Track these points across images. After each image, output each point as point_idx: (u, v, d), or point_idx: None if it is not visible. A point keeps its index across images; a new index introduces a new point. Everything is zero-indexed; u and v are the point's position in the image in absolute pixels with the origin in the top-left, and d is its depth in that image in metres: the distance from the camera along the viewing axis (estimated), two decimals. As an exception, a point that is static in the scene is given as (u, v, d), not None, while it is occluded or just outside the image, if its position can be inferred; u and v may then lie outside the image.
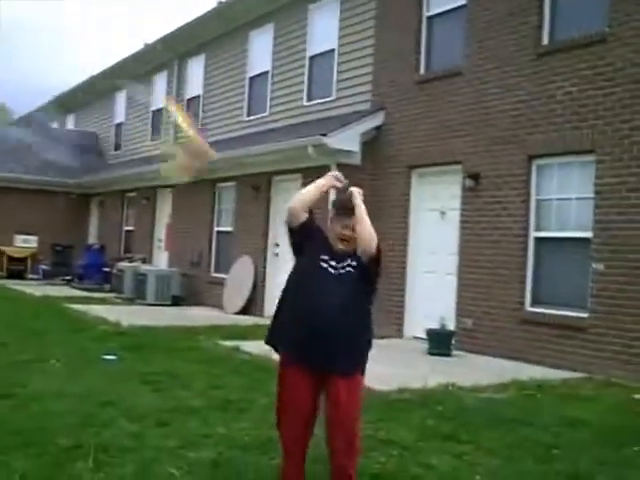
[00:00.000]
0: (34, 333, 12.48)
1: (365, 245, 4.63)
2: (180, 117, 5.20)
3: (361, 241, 4.63)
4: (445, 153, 13.63)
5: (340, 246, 4.72)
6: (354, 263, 4.69)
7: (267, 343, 4.89)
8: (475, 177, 12.81)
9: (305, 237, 4.74)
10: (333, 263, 4.66)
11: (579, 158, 11.52)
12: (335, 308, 4.54)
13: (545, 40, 12.19)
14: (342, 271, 4.66)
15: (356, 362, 4.70)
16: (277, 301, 4.88)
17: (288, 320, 4.69)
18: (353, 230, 4.68)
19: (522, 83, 12.39)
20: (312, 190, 4.78)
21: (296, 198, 4.76)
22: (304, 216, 4.71)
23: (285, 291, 4.81)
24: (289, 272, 4.86)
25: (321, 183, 4.82)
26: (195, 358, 10.36)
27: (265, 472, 5.19)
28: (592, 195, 11.26)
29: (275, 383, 4.86)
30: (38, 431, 6.23)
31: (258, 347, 9.84)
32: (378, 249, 4.67)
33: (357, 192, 4.77)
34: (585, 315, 11.08)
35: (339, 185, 4.83)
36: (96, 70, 29.90)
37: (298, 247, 4.81)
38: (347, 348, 4.60)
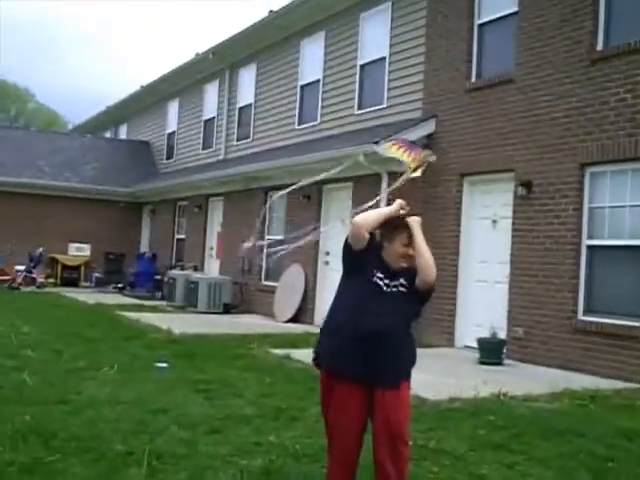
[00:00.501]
0: (87, 340, 12.57)
1: (426, 276, 4.69)
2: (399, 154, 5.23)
3: (422, 271, 4.68)
4: (497, 161, 13.53)
5: (402, 264, 4.75)
6: (406, 283, 4.73)
7: (314, 361, 4.89)
8: (527, 185, 12.71)
9: (361, 258, 4.73)
10: (387, 281, 4.69)
11: (633, 165, 11.38)
12: (383, 320, 4.57)
13: (599, 46, 12.03)
14: (394, 289, 4.69)
15: (402, 374, 4.72)
16: (324, 319, 4.91)
17: (336, 335, 4.69)
18: (410, 246, 4.75)
19: (575, 90, 12.26)
20: (379, 214, 4.76)
21: (362, 217, 4.71)
22: (367, 237, 4.70)
23: (332, 308, 4.83)
24: (337, 289, 4.85)
25: (387, 209, 4.80)
26: (246, 366, 10.37)
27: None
28: (647, 202, 11.18)
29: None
30: (93, 437, 6.31)
31: (309, 355, 9.82)
32: (432, 286, 4.75)
33: (416, 221, 4.80)
34: (638, 324, 10.91)
35: (404, 213, 4.80)
36: (148, 80, 30.37)
37: (350, 266, 4.81)
38: (394, 361, 4.62)
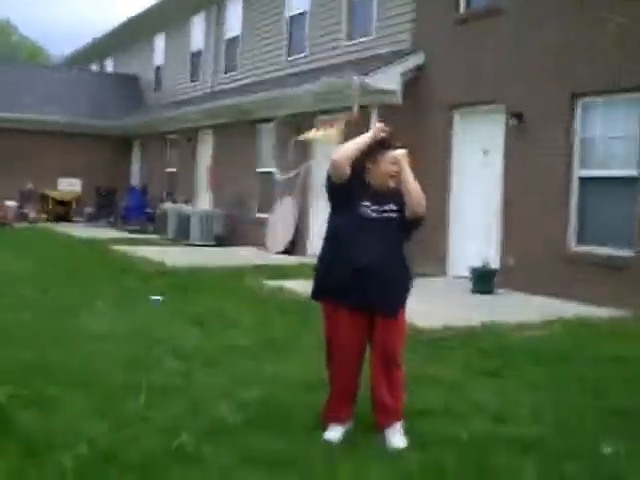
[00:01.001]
0: (81, 275, 12.63)
1: (415, 205, 4.72)
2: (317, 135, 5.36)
3: (411, 207, 4.72)
4: (487, 92, 13.44)
5: (390, 184, 4.77)
6: (395, 208, 4.77)
7: (314, 297, 4.93)
8: (518, 116, 12.65)
9: (345, 189, 4.73)
10: (375, 207, 4.72)
11: (624, 96, 11.29)
12: (376, 250, 4.63)
13: (592, -27, 11.54)
14: (384, 215, 4.73)
15: (398, 302, 4.81)
16: (319, 253, 4.95)
17: (332, 267, 4.75)
18: (396, 164, 4.75)
19: (567, 18, 12.09)
20: (356, 144, 4.72)
21: (340, 152, 4.69)
22: (348, 170, 4.67)
23: (326, 240, 4.87)
24: (327, 226, 4.90)
25: (364, 138, 4.76)
26: (240, 298, 10.40)
27: (315, 411, 5.24)
28: (638, 133, 11.07)
29: (322, 326, 4.97)
30: (91, 371, 6.36)
31: (303, 286, 9.95)
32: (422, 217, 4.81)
33: (402, 154, 4.79)
34: (631, 254, 10.97)
35: (384, 135, 4.80)
36: (134, 12, 29.73)
37: (336, 200, 4.83)
38: (389, 289, 4.70)
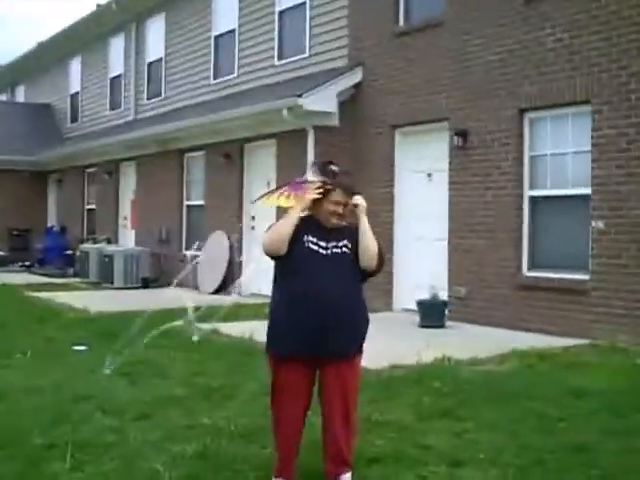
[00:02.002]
0: (-5, 325, 12.28)
1: (366, 260, 4.72)
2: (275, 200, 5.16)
3: (362, 255, 4.72)
4: (430, 110, 13.54)
5: (333, 221, 4.76)
6: (345, 242, 4.76)
7: (268, 349, 4.90)
8: (463, 134, 12.75)
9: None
10: (323, 243, 4.70)
11: (574, 109, 11.47)
12: (331, 290, 4.62)
13: (534, -17, 11.92)
14: (336, 250, 4.71)
15: (353, 343, 4.80)
16: (269, 306, 4.93)
17: (280, 312, 4.75)
18: (345, 206, 4.76)
19: (509, 31, 12.26)
20: (288, 223, 4.72)
21: (272, 237, 4.71)
22: (284, 249, 4.69)
23: (273, 282, 4.86)
24: (274, 269, 4.88)
25: (297, 210, 4.74)
26: (172, 344, 10.29)
27: (254, 462, 5.22)
28: (589, 148, 11.19)
29: (266, 374, 4.97)
30: (9, 430, 6.21)
31: (239, 329, 10.44)
32: (381, 257, 4.78)
33: (363, 207, 4.81)
34: (586, 277, 11.03)
35: (317, 196, 4.74)
36: (46, 36, 29.62)
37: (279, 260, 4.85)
38: (346, 331, 4.69)
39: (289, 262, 4.69)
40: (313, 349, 4.64)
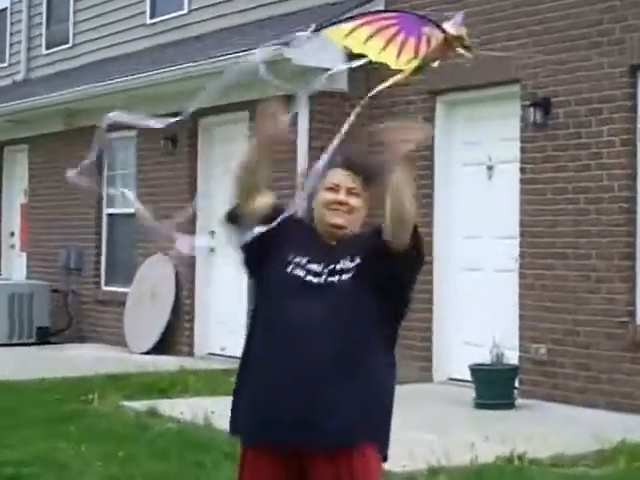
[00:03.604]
0: None
1: (400, 226, 3.75)
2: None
3: (392, 217, 3.75)
4: (492, 67, 11.67)
5: (332, 221, 3.93)
6: (357, 261, 3.87)
7: (231, 432, 4.25)
8: (543, 105, 11.19)
9: (264, 244, 3.95)
10: (316, 267, 3.87)
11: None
12: (322, 344, 3.80)
13: None
14: (333, 278, 3.84)
15: (361, 427, 3.90)
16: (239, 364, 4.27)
17: (247, 382, 4.06)
18: (356, 195, 3.95)
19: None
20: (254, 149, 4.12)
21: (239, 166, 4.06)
22: (265, 204, 3.95)
23: (246, 340, 4.17)
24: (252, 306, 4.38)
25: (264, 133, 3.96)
26: (84, 432, 9.57)
27: None
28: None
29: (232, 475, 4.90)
30: None
31: (190, 407, 10.13)
32: (415, 234, 3.80)
33: (402, 137, 3.70)
34: None
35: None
36: None
37: (253, 263, 4.09)
38: (339, 410, 3.86)
39: (262, 292, 4.08)
40: (290, 436, 3.94)
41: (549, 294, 11.28)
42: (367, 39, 3.97)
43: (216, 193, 14.13)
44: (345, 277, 3.86)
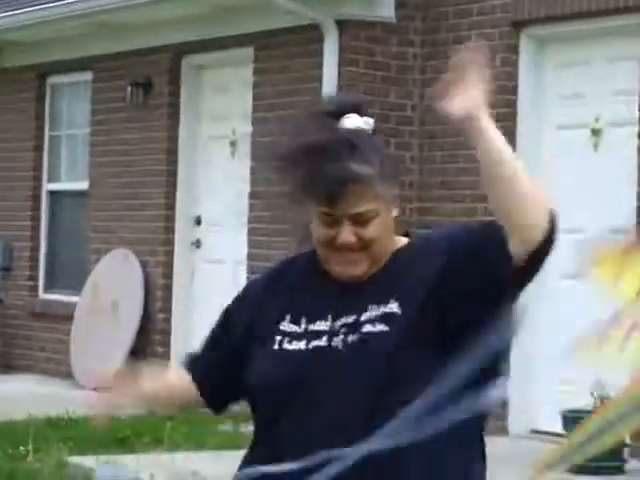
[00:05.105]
0: None
1: (524, 234, 2.62)
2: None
3: (518, 228, 2.63)
4: None
5: (340, 274, 2.86)
6: (393, 308, 2.80)
7: None
8: None
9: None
10: (323, 323, 2.85)
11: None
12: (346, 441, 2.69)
13: None
14: (359, 337, 2.77)
15: None
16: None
17: None
18: (370, 219, 2.84)
19: None
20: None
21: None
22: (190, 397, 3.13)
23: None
24: None
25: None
26: None
27: None
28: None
29: None
30: None
31: (164, 467, 9.25)
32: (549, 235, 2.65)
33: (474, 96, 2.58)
34: None
35: None
36: None
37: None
38: None
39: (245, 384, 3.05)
40: None
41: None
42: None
43: (205, 164, 12.66)
44: (377, 328, 2.79)
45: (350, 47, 10.89)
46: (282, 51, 11.88)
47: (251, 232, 11.41)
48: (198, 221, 12.94)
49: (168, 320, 12.91)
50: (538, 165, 10.63)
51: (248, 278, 11.19)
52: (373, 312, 2.79)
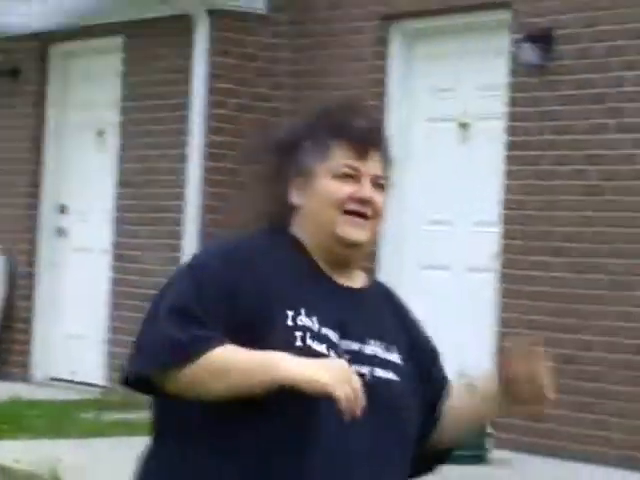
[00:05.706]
0: None
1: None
2: None
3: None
4: None
5: (349, 236, 2.59)
6: (397, 353, 2.61)
7: None
8: (543, 39, 10.14)
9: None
10: (333, 337, 2.54)
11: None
12: None
13: None
14: (374, 373, 2.53)
15: None
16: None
17: None
18: (382, 189, 2.70)
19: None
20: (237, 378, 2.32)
21: (203, 367, 2.31)
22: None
23: (156, 451, 2.74)
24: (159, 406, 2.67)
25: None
26: None
27: None
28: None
29: None
30: None
31: (26, 454, 8.91)
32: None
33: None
34: None
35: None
36: None
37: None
38: None
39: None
40: None
41: (542, 304, 10.01)
42: None
43: (72, 156, 12.57)
44: (395, 359, 2.60)
45: (221, 38, 10.99)
46: (152, 40, 11.86)
47: (117, 220, 11.24)
48: (62, 209, 12.89)
49: (29, 309, 12.87)
50: (407, 157, 10.65)
51: (114, 266, 11.15)
52: (377, 351, 2.62)
